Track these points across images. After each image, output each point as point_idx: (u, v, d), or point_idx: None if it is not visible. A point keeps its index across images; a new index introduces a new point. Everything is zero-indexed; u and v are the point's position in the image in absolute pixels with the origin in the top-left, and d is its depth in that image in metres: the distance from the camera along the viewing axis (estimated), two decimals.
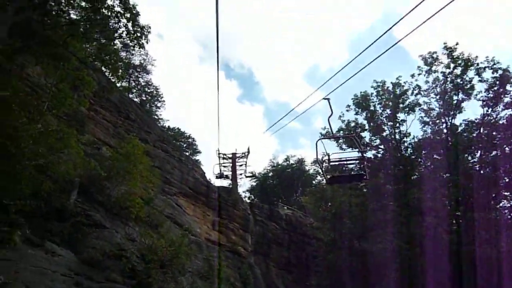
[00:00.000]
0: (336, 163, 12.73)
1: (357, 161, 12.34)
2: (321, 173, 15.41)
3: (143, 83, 38.04)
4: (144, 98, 39.18)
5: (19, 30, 12.92)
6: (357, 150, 29.06)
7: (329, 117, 10.13)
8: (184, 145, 46.67)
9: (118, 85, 26.10)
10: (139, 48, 18.03)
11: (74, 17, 16.59)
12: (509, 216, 26.05)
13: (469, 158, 27.12)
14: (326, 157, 11.10)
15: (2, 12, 12.17)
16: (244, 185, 71.15)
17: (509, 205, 26.57)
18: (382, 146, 28.81)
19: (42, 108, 12.79)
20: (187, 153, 39.35)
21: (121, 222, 17.67)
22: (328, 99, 9.11)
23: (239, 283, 26.48)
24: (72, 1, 15.94)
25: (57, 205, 14.34)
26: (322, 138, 10.78)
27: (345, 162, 12.97)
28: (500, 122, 25.49)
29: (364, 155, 11.84)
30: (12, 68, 11.92)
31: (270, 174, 58.94)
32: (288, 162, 58.53)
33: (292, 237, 37.71)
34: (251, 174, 50.04)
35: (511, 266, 21.20)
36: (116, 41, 19.90)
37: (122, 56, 29.85)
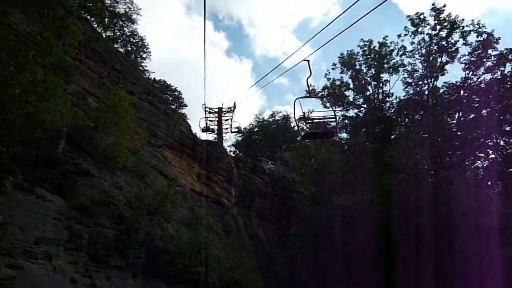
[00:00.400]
0: (312, 121, 13.59)
1: (331, 119, 13.23)
2: (298, 129, 16.35)
3: (128, 33, 37.17)
4: (129, 49, 38.44)
5: None
6: (340, 108, 29.99)
7: (308, 78, 10.84)
8: (170, 98, 46.53)
9: (104, 35, 25.68)
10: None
11: None
12: (481, 175, 27.46)
13: (449, 120, 28.10)
14: (303, 115, 11.93)
15: None
16: (229, 140, 71.97)
17: (482, 165, 27.98)
18: (365, 105, 29.53)
19: (29, 56, 12.81)
20: (173, 106, 39.41)
21: (108, 171, 18.25)
22: (307, 61, 9.61)
23: (222, 231, 27.82)
24: None
25: (45, 153, 14.74)
26: (300, 98, 11.52)
27: (319, 120, 13.82)
28: (481, 85, 26.27)
29: (336, 114, 12.76)
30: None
31: (256, 129, 59.69)
32: (273, 118, 59.24)
33: (274, 190, 39.09)
34: (236, 130, 50.76)
35: (479, 220, 22.74)
36: None
37: (106, 3, 29.00)
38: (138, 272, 17.14)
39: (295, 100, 11.35)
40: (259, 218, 36.80)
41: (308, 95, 11.26)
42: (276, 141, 57.30)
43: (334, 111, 12.74)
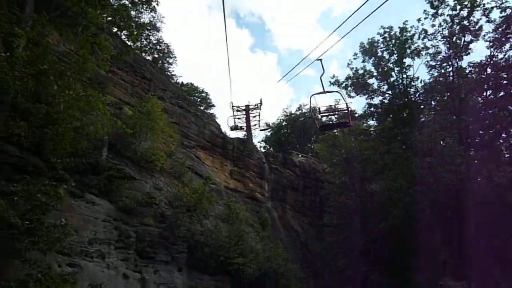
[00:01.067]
0: (327, 113, 14.64)
1: (345, 111, 14.18)
2: (315, 122, 17.42)
3: (154, 41, 38.75)
4: (156, 56, 40.01)
5: (44, 4, 14.00)
6: (365, 96, 30.26)
7: (321, 75, 11.75)
8: (198, 100, 47.97)
9: (132, 46, 27.07)
10: (150, 12, 19.09)
11: None
12: None
13: (479, 99, 27.74)
14: (318, 109, 13.02)
15: None
16: (258, 136, 72.98)
17: None
18: (389, 92, 29.61)
19: (71, 75, 14.10)
20: (201, 108, 40.72)
21: (148, 174, 19.58)
22: (320, 60, 10.39)
23: (258, 224, 28.82)
24: None
25: (91, 161, 16.14)
26: (315, 94, 12.59)
27: (334, 113, 14.86)
28: (509, 62, 25.72)
29: (349, 106, 13.71)
30: (45, 42, 13.14)
31: (284, 123, 60.30)
32: (301, 111, 59.57)
33: (306, 182, 39.82)
34: (265, 127, 51.73)
35: (506, 198, 22.51)
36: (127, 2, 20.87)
37: (132, 15, 30.37)
38: (182, 266, 18.40)
39: (311, 96, 12.52)
40: (293, 210, 37.64)
41: (322, 91, 12.11)
42: (305, 134, 57.70)
43: (346, 103, 13.68)
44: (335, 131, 36.62)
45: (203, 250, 19.17)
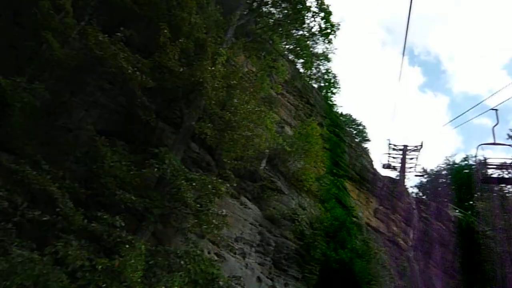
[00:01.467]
0: (495, 167, 13.40)
1: None
2: (477, 173, 15.92)
3: (323, 71, 40.68)
4: (322, 85, 41.82)
5: (240, 31, 16.69)
6: None
7: (494, 126, 11.01)
8: (354, 132, 48.03)
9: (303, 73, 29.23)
10: (327, 43, 20.61)
11: (278, 16, 20.01)
12: None
13: None
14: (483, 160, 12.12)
15: (231, 17, 16.01)
16: (412, 180, 68.36)
17: None
18: None
19: (251, 92, 16.29)
20: (356, 140, 40.69)
21: (295, 191, 20.77)
22: (496, 109, 9.74)
23: (395, 272, 27.08)
24: (277, 4, 19.28)
25: (251, 169, 18.11)
26: (483, 144, 11.92)
27: (504, 169, 13.39)
28: None
29: None
30: (235, 62, 15.65)
31: (444, 172, 55.25)
32: (466, 162, 53.68)
33: (459, 241, 35.55)
34: (422, 172, 48.48)
35: None
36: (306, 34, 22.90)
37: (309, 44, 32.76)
38: (312, 287, 18.75)
39: (478, 146, 11.87)
40: (438, 268, 33.99)
41: (492, 142, 11.29)
42: (467, 188, 51.59)
43: None
44: (506, 191, 32.16)
45: (335, 278, 19.17)
